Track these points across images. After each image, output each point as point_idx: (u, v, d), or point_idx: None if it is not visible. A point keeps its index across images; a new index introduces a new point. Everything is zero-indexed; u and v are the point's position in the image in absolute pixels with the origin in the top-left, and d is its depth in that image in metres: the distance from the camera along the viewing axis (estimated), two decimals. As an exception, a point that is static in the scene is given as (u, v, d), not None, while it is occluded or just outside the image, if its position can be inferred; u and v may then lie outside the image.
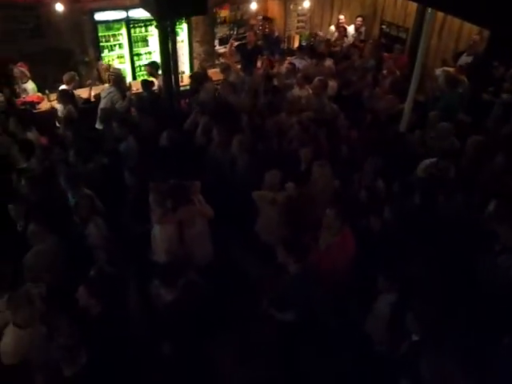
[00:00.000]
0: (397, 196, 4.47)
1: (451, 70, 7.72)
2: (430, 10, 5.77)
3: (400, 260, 3.71)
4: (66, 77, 7.46)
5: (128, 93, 7.33)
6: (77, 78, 7.73)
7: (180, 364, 3.11)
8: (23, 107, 7.64)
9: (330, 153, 5.36)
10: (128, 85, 8.13)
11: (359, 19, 10.05)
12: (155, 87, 7.51)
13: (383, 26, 10.14)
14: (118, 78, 7.40)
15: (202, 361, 3.13)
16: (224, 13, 10.82)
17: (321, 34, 10.46)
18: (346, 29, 10.07)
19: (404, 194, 4.41)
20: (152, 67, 7.88)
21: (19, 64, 8.07)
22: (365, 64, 8.28)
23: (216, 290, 3.75)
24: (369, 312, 3.77)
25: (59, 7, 8.52)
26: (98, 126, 7.01)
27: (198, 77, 7.72)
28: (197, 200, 4.47)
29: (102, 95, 7.24)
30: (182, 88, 7.61)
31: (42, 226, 4.06)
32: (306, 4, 11.15)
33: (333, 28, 10.44)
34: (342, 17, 10.38)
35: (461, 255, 3.90)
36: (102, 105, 7.11)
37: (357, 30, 10.12)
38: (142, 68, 10.53)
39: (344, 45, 9.58)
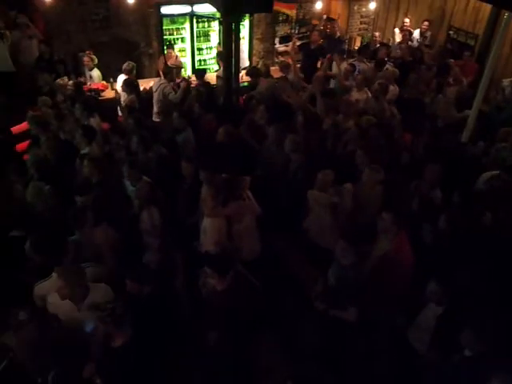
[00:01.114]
0: (456, 206, 4.31)
1: (520, 80, 7.35)
2: (506, 15, 5.51)
3: (453, 272, 3.57)
4: (125, 66, 7.52)
5: (182, 83, 7.25)
6: (134, 69, 7.76)
7: (224, 355, 3.15)
8: (89, 94, 7.94)
9: (388, 158, 5.23)
10: (187, 77, 8.30)
11: (425, 23, 9.71)
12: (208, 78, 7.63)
13: (451, 32, 9.75)
14: (168, 69, 7.46)
15: (244, 355, 3.16)
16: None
17: (377, 34, 10.18)
18: (411, 32, 9.79)
19: (464, 205, 4.24)
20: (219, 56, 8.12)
21: (88, 52, 8.39)
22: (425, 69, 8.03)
23: (263, 285, 3.76)
24: (413, 322, 3.66)
25: (129, -1, 8.83)
26: (155, 118, 7.17)
27: (253, 72, 7.76)
28: (246, 196, 4.51)
29: (154, 89, 7.26)
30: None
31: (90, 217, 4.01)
32: (372, 5, 10.92)
33: (397, 30, 10.17)
34: (407, 20, 10.09)
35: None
36: (155, 97, 7.16)
37: (422, 34, 9.79)
38: (203, 62, 10.77)
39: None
